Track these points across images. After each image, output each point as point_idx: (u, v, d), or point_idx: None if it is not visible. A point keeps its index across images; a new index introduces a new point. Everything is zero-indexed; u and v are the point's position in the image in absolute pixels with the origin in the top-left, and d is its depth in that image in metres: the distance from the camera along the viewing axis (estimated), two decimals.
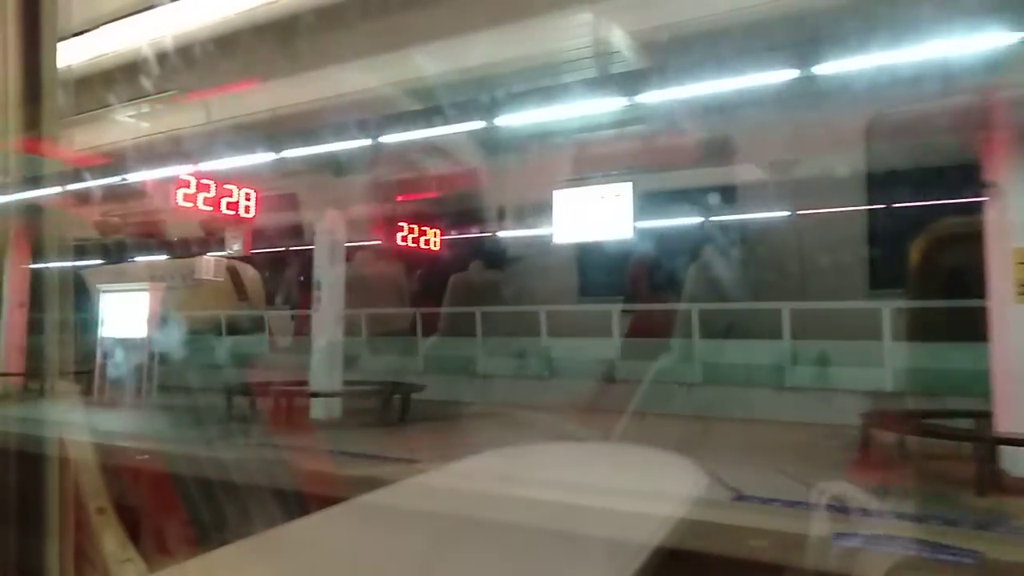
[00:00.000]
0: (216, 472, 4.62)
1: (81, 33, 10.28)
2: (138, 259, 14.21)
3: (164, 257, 13.93)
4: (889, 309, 7.60)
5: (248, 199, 9.01)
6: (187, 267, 13.04)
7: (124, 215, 13.17)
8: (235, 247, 10.09)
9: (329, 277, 9.13)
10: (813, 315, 8.30)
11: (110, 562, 2.89)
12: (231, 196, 8.85)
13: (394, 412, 8.44)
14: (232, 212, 8.89)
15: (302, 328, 12.08)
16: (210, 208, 8.66)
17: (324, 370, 9.00)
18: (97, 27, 10.45)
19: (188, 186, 8.36)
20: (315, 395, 8.88)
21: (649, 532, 2.38)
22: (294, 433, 8.11)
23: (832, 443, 6.39)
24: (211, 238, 13.75)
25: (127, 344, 10.58)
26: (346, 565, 2.28)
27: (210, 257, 12.32)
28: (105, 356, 10.74)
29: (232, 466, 4.87)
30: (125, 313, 10.74)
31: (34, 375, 11.87)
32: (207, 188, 8.56)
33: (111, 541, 3.01)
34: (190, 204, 8.41)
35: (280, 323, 13.18)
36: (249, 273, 13.60)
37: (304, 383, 9.11)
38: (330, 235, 9.18)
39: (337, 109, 8.58)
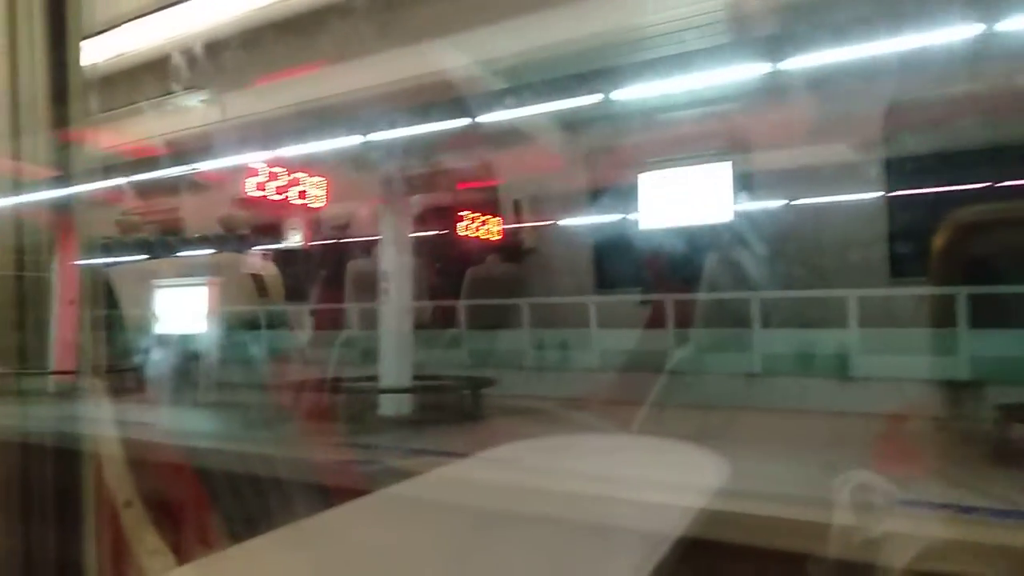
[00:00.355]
0: (292, 472, 4.50)
1: (120, 25, 10.24)
2: (163, 256, 14.31)
3: (190, 254, 14.02)
4: (964, 295, 7.17)
5: (317, 187, 8.73)
6: (214, 264, 13.15)
7: (146, 212, 13.29)
8: (295, 239, 9.90)
9: (396, 267, 8.86)
10: (874, 302, 7.92)
11: (139, 553, 2.94)
12: (299, 184, 8.51)
13: (467, 408, 8.14)
14: (302, 201, 8.63)
15: (336, 322, 12.12)
16: (280, 197, 8.42)
17: (393, 365, 8.81)
18: (147, 15, 10.47)
19: (258, 175, 8.05)
20: (385, 391, 8.63)
21: (672, 522, 2.38)
22: (369, 432, 7.75)
23: (967, 438, 5.89)
24: (231, 234, 13.85)
25: (183, 340, 10.38)
26: (373, 557, 2.29)
27: (258, 252, 12.23)
28: (161, 353, 10.47)
29: (308, 466, 4.80)
30: (181, 309, 10.58)
31: (86, 373, 12.06)
32: (277, 176, 8.24)
33: (140, 533, 3.06)
34: (260, 193, 8.16)
35: (321, 318, 12.93)
36: (269, 270, 13.69)
37: (366, 379, 8.88)
38: (396, 224, 8.92)
39: (406, 92, 8.18)
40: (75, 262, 12.32)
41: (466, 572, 2.21)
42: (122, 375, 11.26)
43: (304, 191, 8.68)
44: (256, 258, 12.32)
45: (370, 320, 10.82)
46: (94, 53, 10.09)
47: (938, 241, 7.31)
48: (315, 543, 2.39)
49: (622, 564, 2.19)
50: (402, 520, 2.69)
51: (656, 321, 9.28)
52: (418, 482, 3.78)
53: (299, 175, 8.55)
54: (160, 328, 10.53)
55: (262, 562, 2.21)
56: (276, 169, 8.25)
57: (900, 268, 9.04)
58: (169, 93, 10.38)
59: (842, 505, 2.86)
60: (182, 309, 10.50)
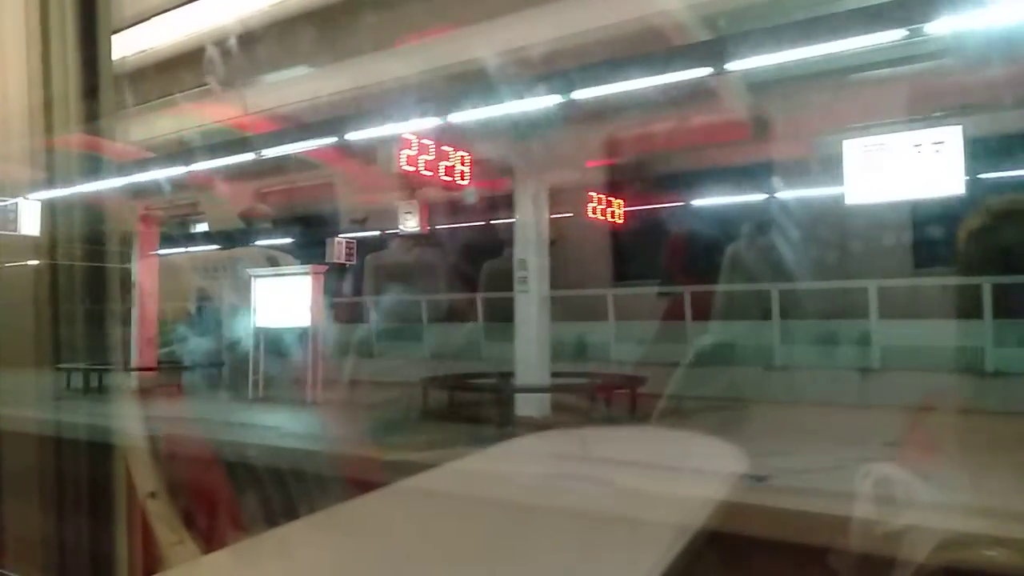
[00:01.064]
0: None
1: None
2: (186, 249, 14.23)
3: (213, 247, 14.01)
4: None
5: (464, 164, 7.92)
6: (228, 258, 13.20)
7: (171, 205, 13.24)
8: (409, 223, 9.02)
9: (534, 255, 8.08)
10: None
11: (163, 544, 2.99)
12: (448, 160, 7.75)
13: (615, 408, 7.26)
14: (449, 179, 7.89)
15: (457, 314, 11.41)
16: (430, 173, 7.68)
17: (532, 361, 8.00)
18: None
19: (411, 147, 7.39)
20: (523, 390, 7.87)
21: (692, 515, 2.39)
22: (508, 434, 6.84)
23: None
24: (251, 228, 13.92)
25: (285, 334, 9.69)
26: (388, 547, 2.32)
27: (340, 240, 11.63)
28: (259, 348, 9.78)
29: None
30: (281, 300, 9.77)
31: (167, 368, 11.49)
32: (428, 150, 7.52)
33: (163, 524, 3.11)
34: (412, 168, 7.46)
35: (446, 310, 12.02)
36: (288, 263, 13.73)
37: (500, 376, 8.18)
38: (534, 208, 8.12)
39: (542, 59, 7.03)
40: (155, 252, 11.54)
41: (489, 560, 2.23)
42: (215, 372, 10.90)
43: (452, 167, 7.81)
44: (340, 246, 11.45)
45: (497, 311, 9.91)
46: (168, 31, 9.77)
47: None
48: (343, 530, 2.42)
49: (642, 554, 2.20)
50: (416, 511, 2.72)
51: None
52: (432, 475, 3.80)
53: (445, 149, 7.72)
54: (259, 321, 9.71)
55: (293, 548, 2.24)
56: (426, 142, 7.49)
57: None
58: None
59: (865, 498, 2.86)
60: (287, 300, 9.66)
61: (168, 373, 11.52)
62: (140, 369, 11.04)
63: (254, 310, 9.94)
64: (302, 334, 9.42)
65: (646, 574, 1.98)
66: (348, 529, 2.47)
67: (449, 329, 11.42)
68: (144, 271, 11.44)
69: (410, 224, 9.04)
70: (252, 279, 10.10)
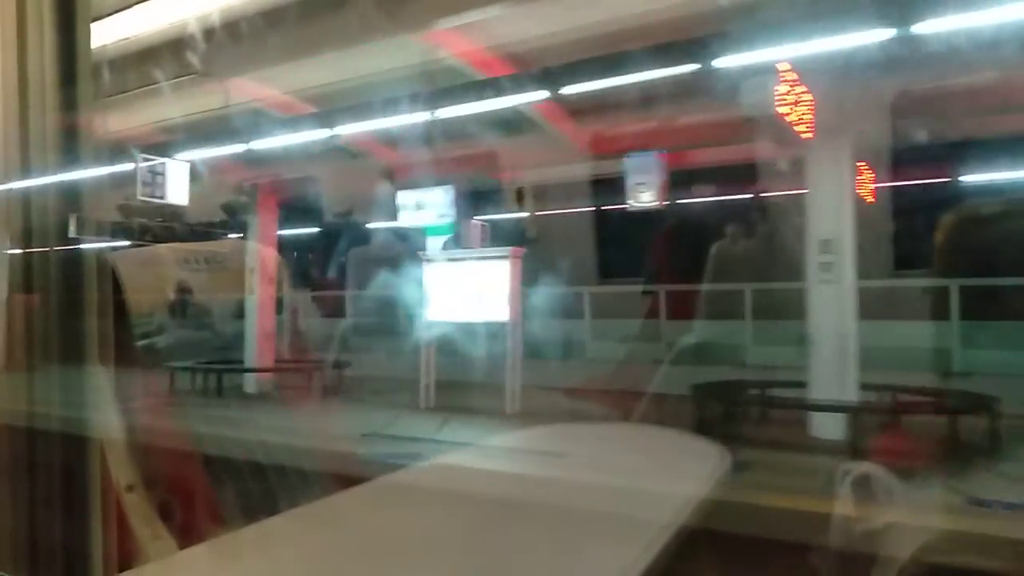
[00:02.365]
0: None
1: None
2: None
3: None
4: None
5: (805, 106, 6.44)
6: (211, 250, 13.09)
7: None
8: (644, 197, 7.47)
9: (840, 233, 6.64)
10: None
11: (141, 539, 2.96)
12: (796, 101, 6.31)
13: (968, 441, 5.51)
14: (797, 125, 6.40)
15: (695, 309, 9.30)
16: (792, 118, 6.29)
17: (830, 371, 6.50)
18: None
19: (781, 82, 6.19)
20: (816, 408, 6.44)
21: (673, 512, 2.40)
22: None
23: None
24: (233, 220, 13.79)
25: (476, 331, 8.08)
26: (368, 543, 2.31)
27: (476, 222, 10.13)
28: (429, 346, 8.25)
29: None
30: (464, 290, 8.19)
31: (301, 369, 9.39)
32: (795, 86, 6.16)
33: (140, 519, 3.07)
34: (787, 110, 6.26)
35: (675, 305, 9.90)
36: (273, 255, 13.64)
37: (788, 385, 6.81)
38: (840, 173, 6.72)
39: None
40: (274, 232, 9.81)
41: (470, 557, 2.23)
42: (334, 373, 8.90)
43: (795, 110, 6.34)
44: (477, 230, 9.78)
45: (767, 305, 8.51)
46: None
47: None
48: (324, 526, 2.41)
49: (623, 552, 2.20)
50: (399, 507, 2.71)
51: None
52: (415, 470, 3.80)
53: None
54: (432, 314, 8.07)
55: (274, 542, 2.23)
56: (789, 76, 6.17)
57: None
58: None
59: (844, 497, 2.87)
60: (475, 290, 8.09)
61: (286, 374, 9.79)
62: (261, 370, 9.11)
63: (426, 300, 8.22)
64: (493, 330, 7.88)
65: (628, 570, 1.99)
66: (328, 524, 2.46)
67: (689, 326, 9.27)
68: (263, 253, 9.52)
69: (645, 198, 7.38)
70: (424, 264, 8.34)
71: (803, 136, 6.51)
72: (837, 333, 6.61)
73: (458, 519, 2.49)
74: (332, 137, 8.28)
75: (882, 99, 6.65)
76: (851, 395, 6.45)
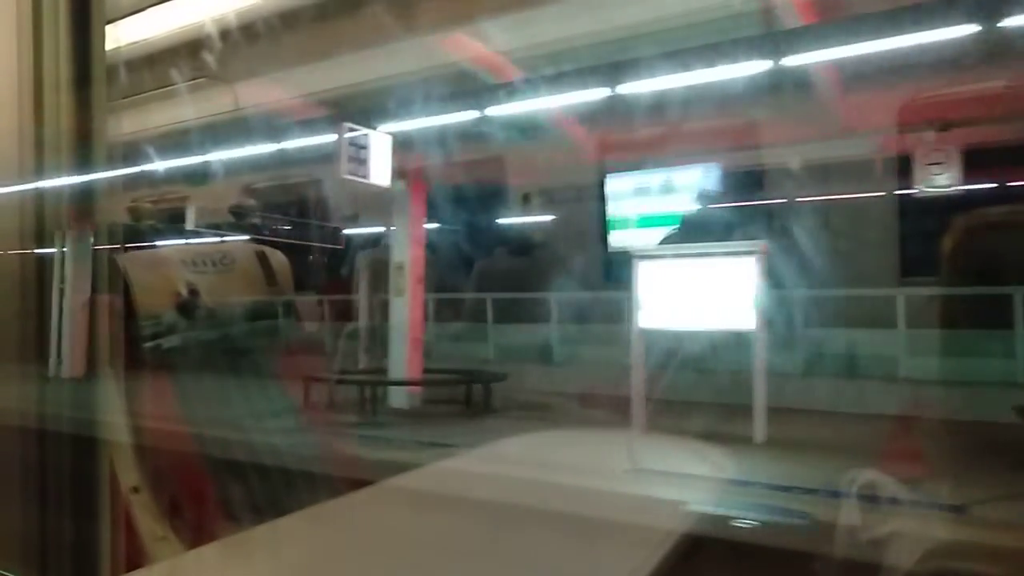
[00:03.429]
0: None
1: None
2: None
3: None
4: None
5: None
6: (219, 251, 13.12)
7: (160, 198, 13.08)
8: (939, 179, 6.33)
9: None
10: None
11: (146, 539, 2.97)
12: None
13: None
14: None
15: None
16: None
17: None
18: None
19: None
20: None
21: (676, 519, 2.40)
22: None
23: None
24: (241, 223, 13.85)
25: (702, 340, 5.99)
26: (372, 545, 2.32)
27: None
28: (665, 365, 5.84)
29: None
30: (692, 292, 6.44)
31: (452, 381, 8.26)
32: None
33: (147, 519, 3.09)
34: None
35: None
36: (278, 257, 13.70)
37: None
38: None
39: None
40: (423, 224, 8.14)
41: (475, 560, 2.23)
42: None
43: None
44: None
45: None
46: None
47: None
48: (329, 527, 2.42)
49: (626, 558, 2.20)
50: (401, 510, 2.72)
51: None
52: (417, 474, 3.80)
53: None
54: (649, 320, 6.16)
55: (280, 543, 2.24)
56: None
57: None
58: None
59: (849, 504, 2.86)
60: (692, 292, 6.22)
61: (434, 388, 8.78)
62: (408, 383, 8.12)
63: (637, 303, 6.61)
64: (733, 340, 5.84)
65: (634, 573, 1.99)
66: (334, 526, 2.46)
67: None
68: (413, 247, 8.05)
69: (941, 181, 6.21)
70: (635, 261, 6.82)
71: None
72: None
73: (460, 524, 2.50)
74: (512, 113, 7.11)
75: None
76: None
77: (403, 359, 7.92)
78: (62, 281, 5.36)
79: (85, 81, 1.52)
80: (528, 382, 8.01)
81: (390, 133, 6.68)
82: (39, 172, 1.53)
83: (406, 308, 7.91)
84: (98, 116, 1.53)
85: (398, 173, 7.28)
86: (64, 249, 4.90)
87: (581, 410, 6.99)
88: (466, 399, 7.59)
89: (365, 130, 6.33)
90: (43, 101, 1.55)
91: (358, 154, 6.29)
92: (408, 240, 7.81)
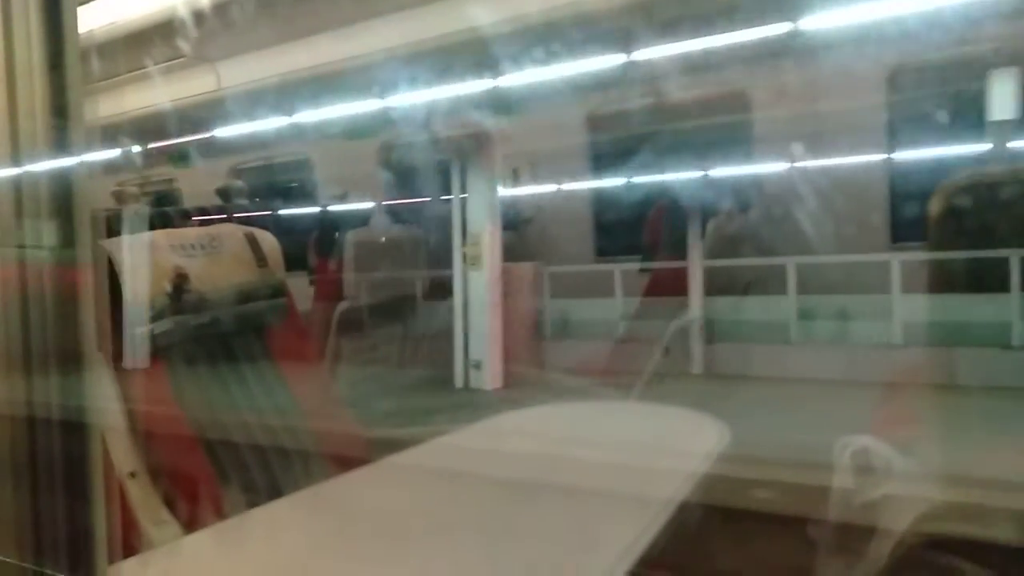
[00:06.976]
0: None
1: None
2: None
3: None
4: None
5: None
6: (205, 235, 12.98)
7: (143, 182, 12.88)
8: None
9: None
10: None
11: (145, 524, 2.97)
12: None
13: None
14: None
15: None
16: None
17: None
18: None
19: None
20: None
21: (674, 487, 2.41)
22: None
23: None
24: (227, 204, 13.72)
25: None
26: (373, 524, 2.32)
27: None
28: None
29: None
30: None
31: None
32: None
33: (145, 504, 3.08)
34: None
35: None
36: (267, 238, 13.59)
37: None
38: None
39: None
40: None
41: (476, 535, 2.24)
42: None
43: None
44: None
45: None
46: None
47: None
48: (331, 507, 2.42)
49: (623, 529, 2.21)
50: (403, 487, 2.72)
51: None
52: (419, 450, 3.81)
53: None
54: None
55: (278, 527, 2.24)
56: None
57: None
58: None
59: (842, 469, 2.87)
60: None
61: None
62: None
63: None
64: None
65: (632, 546, 2.00)
66: (333, 506, 2.47)
67: None
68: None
69: None
70: None
71: None
72: None
73: (461, 499, 2.50)
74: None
75: None
76: None
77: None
78: None
79: (59, 63, 1.48)
80: None
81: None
82: (15, 159, 1.50)
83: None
84: (74, 99, 1.49)
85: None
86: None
87: None
88: None
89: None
90: (16, 85, 1.52)
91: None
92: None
